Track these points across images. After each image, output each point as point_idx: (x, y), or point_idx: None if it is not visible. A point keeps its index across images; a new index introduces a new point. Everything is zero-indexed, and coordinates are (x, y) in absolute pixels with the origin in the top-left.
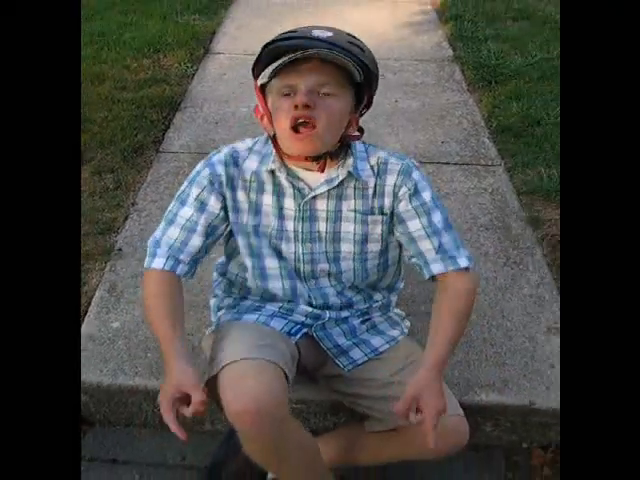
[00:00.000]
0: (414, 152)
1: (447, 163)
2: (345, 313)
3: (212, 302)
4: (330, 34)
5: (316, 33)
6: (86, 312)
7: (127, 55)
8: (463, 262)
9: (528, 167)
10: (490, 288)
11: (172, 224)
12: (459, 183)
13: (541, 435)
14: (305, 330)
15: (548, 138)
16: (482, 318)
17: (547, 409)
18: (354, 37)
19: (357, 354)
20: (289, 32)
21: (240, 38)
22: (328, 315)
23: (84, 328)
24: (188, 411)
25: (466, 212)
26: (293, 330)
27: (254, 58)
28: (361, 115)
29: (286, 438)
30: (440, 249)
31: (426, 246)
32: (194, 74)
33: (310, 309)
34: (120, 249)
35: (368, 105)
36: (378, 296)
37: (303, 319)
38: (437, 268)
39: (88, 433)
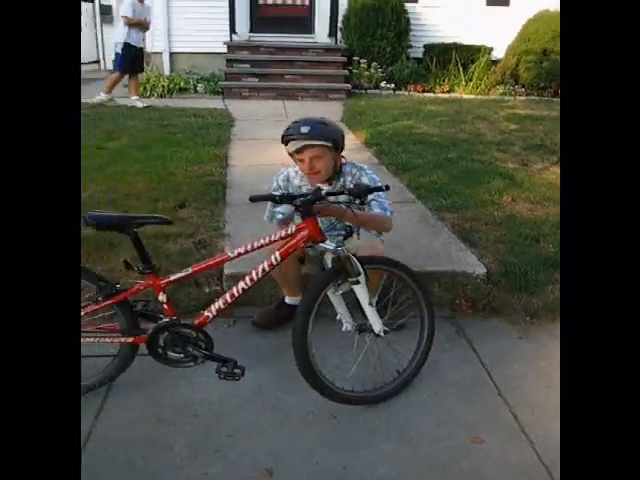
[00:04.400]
0: None
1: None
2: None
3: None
4: (309, 128)
5: (302, 130)
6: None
7: (182, 165)
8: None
9: (431, 200)
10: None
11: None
12: (400, 212)
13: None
14: None
15: (440, 190)
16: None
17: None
18: (322, 121)
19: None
20: (291, 130)
21: (242, 158)
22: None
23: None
24: None
25: (406, 220)
26: None
27: (253, 168)
28: (340, 152)
29: None
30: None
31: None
32: (225, 173)
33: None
34: (228, 234)
35: (342, 149)
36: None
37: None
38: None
39: None
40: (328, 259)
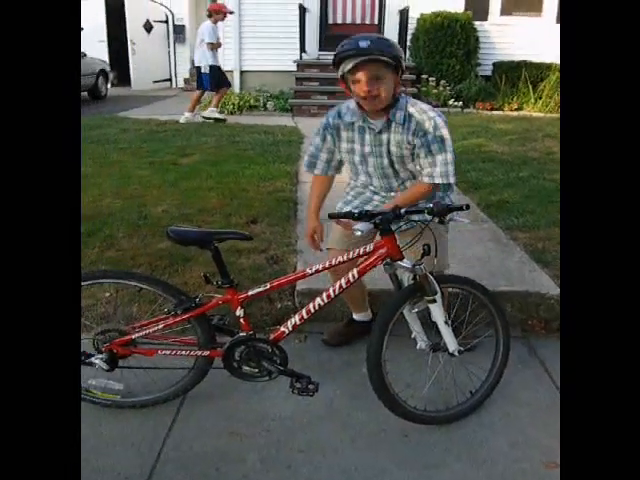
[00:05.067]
0: None
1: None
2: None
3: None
4: (369, 42)
5: (361, 44)
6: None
7: (253, 181)
8: (437, 180)
9: (502, 219)
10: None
11: (311, 145)
12: (471, 231)
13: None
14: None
15: (511, 209)
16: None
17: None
18: (382, 37)
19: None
20: (347, 45)
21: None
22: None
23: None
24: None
25: (477, 239)
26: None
27: None
28: (401, 77)
29: None
30: (433, 164)
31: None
32: (296, 190)
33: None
34: (300, 250)
35: (403, 72)
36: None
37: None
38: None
39: None
40: (405, 277)
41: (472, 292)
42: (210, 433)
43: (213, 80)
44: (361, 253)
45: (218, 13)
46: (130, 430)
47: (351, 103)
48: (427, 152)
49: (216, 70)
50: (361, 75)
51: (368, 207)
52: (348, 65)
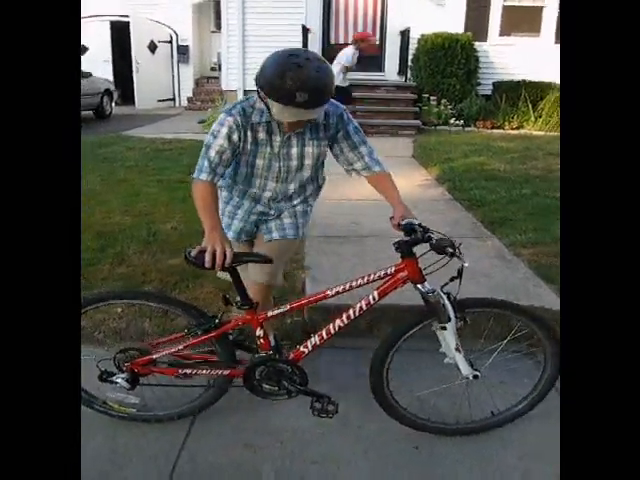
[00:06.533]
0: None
1: (465, 237)
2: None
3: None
4: (306, 97)
5: (298, 99)
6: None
7: None
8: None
9: (506, 236)
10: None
11: (210, 149)
12: (475, 247)
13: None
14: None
15: (514, 226)
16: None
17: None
18: (322, 79)
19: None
20: (279, 88)
21: None
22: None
23: None
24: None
25: (482, 255)
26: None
27: (327, 202)
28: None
29: None
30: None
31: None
32: None
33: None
34: (308, 266)
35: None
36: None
37: (262, 209)
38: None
39: None
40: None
41: (512, 317)
42: (224, 445)
43: (342, 99)
44: (381, 275)
45: (363, 41)
46: (146, 443)
47: (257, 101)
48: (353, 135)
49: (342, 90)
50: (286, 118)
51: (253, 217)
52: (277, 112)
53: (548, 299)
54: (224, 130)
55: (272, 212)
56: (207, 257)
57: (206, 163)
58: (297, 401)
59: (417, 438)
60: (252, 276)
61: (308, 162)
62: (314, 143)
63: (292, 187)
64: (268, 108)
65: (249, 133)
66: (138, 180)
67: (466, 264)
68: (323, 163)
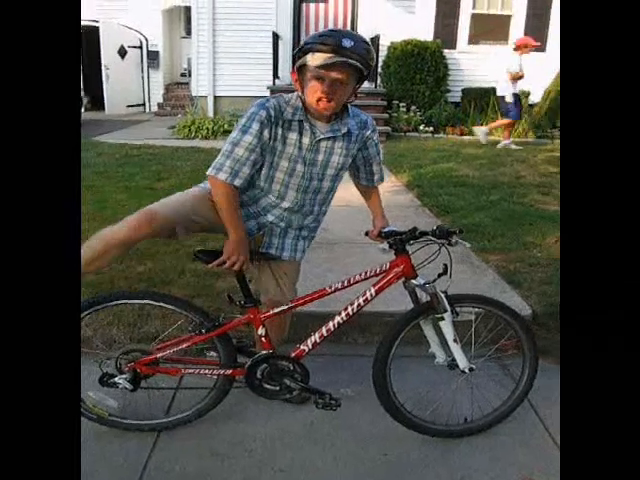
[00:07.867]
0: None
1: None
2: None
3: None
4: (352, 43)
5: (345, 43)
6: None
7: None
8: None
9: (474, 242)
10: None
11: (237, 146)
12: (443, 252)
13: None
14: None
15: (483, 232)
16: None
17: None
18: (367, 42)
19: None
20: (327, 38)
21: None
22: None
23: None
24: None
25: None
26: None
27: None
28: (360, 86)
29: None
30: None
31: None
32: None
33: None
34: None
35: (364, 80)
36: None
37: (272, 219)
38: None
39: None
40: (423, 294)
41: (492, 311)
42: (192, 454)
43: (517, 108)
44: (377, 272)
45: (526, 46)
46: (112, 452)
47: (292, 98)
48: (375, 156)
49: (519, 99)
50: (331, 74)
51: (251, 223)
52: (319, 60)
53: (515, 304)
54: (255, 126)
55: (282, 224)
56: (227, 265)
57: (228, 162)
58: (265, 408)
59: (386, 445)
60: (277, 296)
61: (330, 172)
62: (342, 152)
63: (309, 199)
64: (304, 104)
65: (280, 130)
66: (107, 186)
67: (468, 245)
68: (340, 179)
